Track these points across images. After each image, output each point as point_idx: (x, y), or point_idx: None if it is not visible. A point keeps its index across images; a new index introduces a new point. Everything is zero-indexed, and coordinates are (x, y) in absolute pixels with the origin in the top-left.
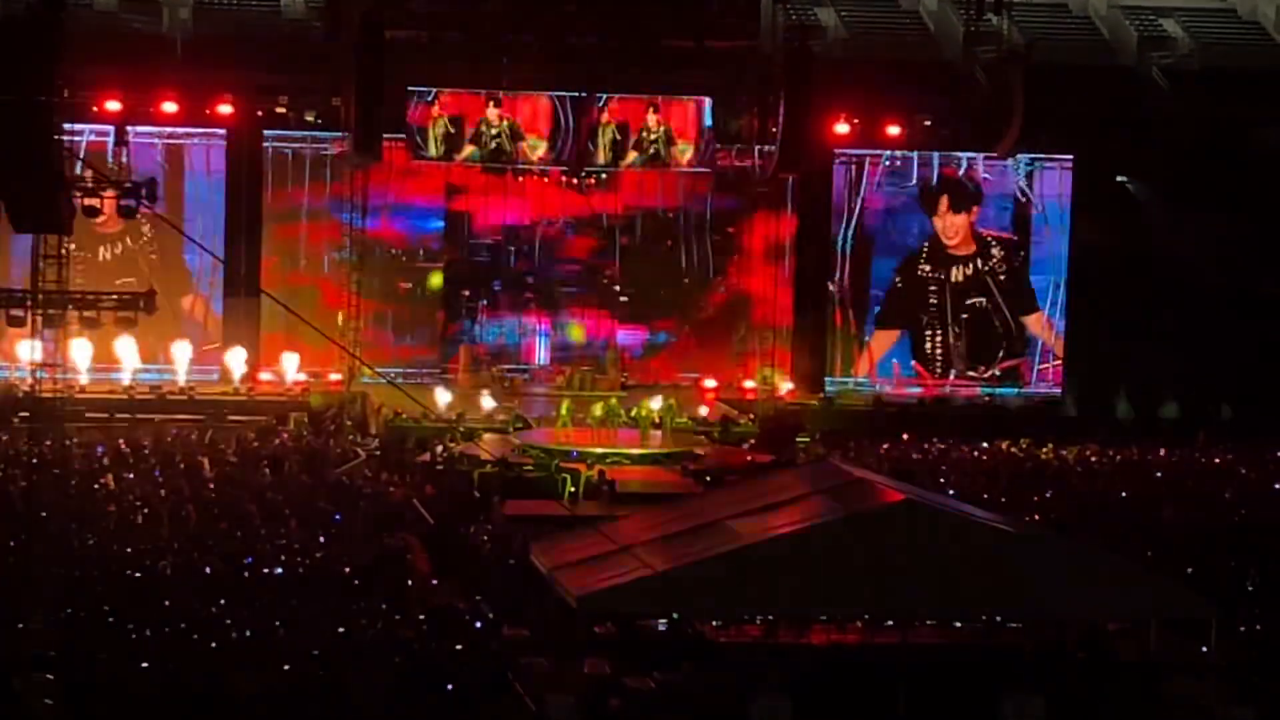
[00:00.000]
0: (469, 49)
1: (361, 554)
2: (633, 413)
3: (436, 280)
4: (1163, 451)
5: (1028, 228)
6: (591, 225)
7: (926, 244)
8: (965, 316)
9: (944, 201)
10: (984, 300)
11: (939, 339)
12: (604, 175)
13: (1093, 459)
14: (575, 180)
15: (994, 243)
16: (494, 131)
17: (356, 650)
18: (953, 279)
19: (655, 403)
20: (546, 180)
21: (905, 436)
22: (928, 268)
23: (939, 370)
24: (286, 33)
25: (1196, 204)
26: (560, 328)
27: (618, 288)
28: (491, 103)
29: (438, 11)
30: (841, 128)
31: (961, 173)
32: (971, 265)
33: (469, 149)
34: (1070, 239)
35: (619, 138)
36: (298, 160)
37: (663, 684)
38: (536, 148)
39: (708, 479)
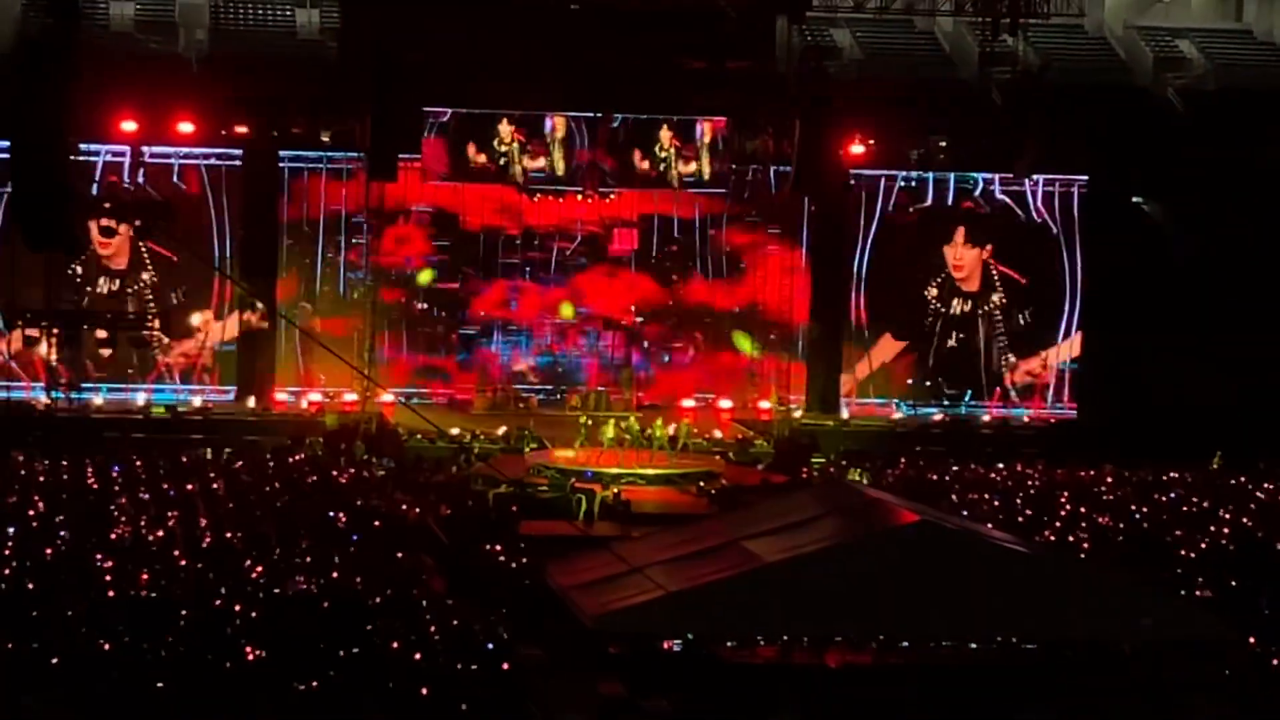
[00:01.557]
0: (484, 69)
1: (377, 574)
2: (647, 433)
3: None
4: (1176, 473)
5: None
6: (606, 244)
7: (944, 273)
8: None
9: (960, 232)
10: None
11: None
12: (618, 195)
13: (1108, 480)
14: (590, 199)
15: (1001, 283)
16: (509, 151)
17: (371, 671)
18: (952, 311)
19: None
20: (561, 200)
21: (921, 456)
22: (934, 292)
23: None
24: (302, 53)
25: (1212, 225)
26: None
27: (633, 307)
28: (506, 122)
29: (453, 32)
30: (857, 148)
31: (977, 192)
32: (970, 302)
33: (484, 169)
34: (1085, 260)
35: (634, 158)
36: (314, 180)
37: (677, 705)
38: (552, 167)
39: (722, 500)
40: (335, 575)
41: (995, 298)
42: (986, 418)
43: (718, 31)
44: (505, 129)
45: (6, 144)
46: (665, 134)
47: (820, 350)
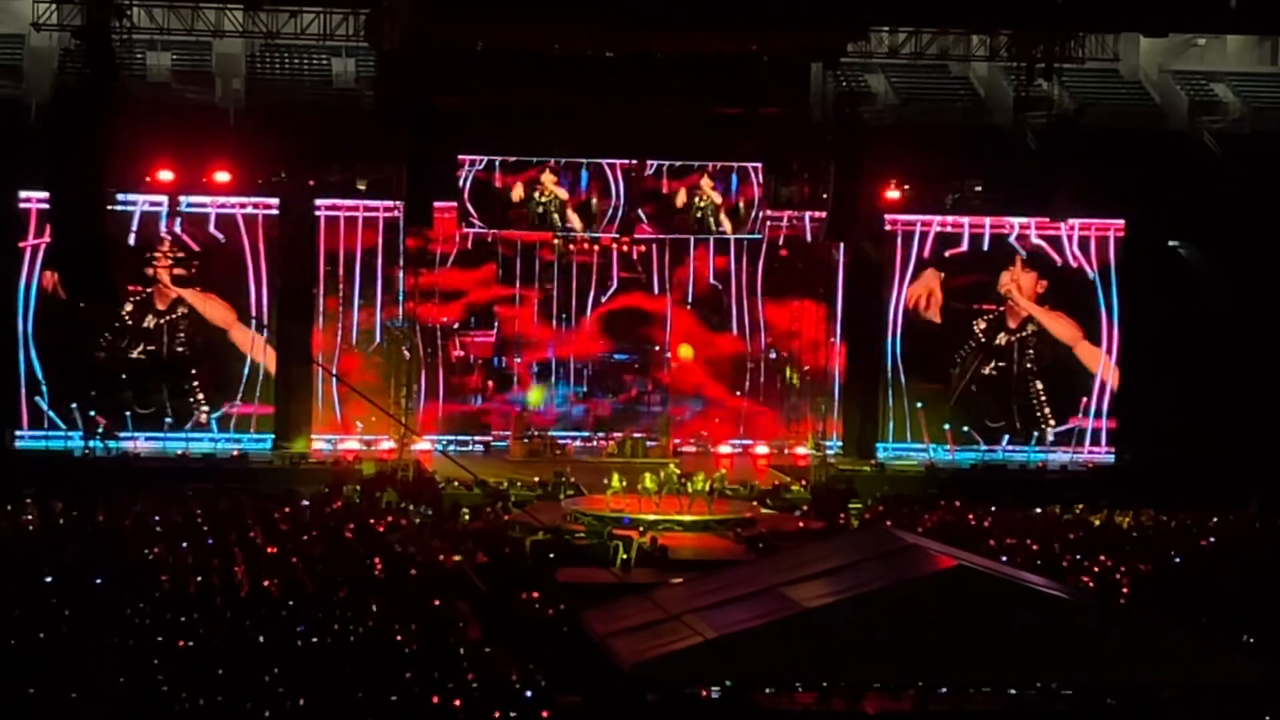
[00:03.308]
0: (520, 116)
1: (414, 622)
2: (685, 482)
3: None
4: (1215, 517)
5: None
6: (641, 290)
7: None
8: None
9: (1018, 258)
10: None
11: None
12: (654, 241)
13: (1146, 524)
14: (625, 246)
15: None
16: (543, 198)
17: (410, 718)
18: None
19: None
20: (596, 246)
21: (958, 502)
22: (982, 324)
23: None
24: (338, 102)
25: (1249, 267)
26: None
27: (669, 354)
28: (541, 169)
29: (488, 79)
30: (892, 193)
31: (1013, 237)
32: (1012, 339)
33: (519, 215)
34: (1122, 303)
35: (670, 204)
36: (350, 228)
37: None
38: (586, 214)
39: (760, 545)
40: (373, 623)
41: (1036, 338)
42: (1024, 461)
43: (752, 78)
44: (541, 175)
45: (46, 195)
46: (700, 180)
47: (856, 396)
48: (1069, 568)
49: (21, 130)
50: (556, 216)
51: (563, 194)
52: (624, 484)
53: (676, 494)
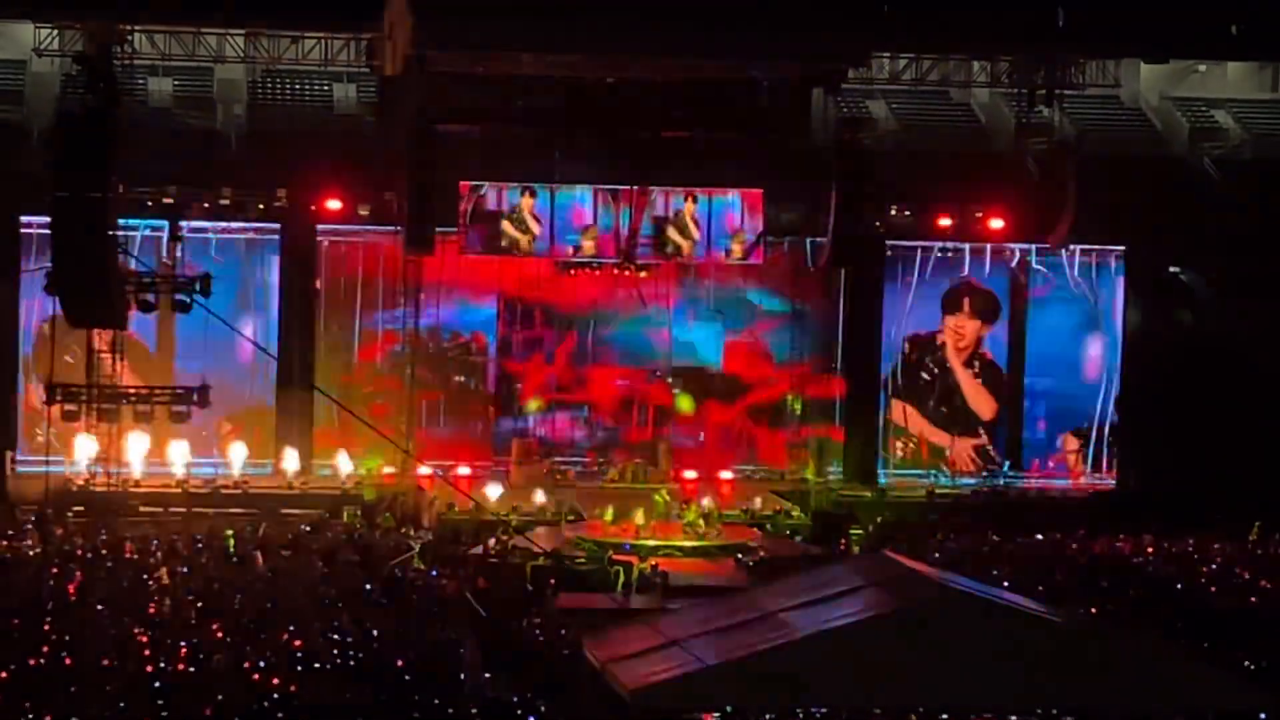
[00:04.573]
0: (520, 142)
1: (413, 647)
2: (684, 515)
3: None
4: (1216, 543)
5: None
6: (642, 317)
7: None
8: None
9: (966, 303)
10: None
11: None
12: (654, 267)
13: (1148, 550)
14: (626, 273)
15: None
16: (545, 225)
17: None
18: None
19: (705, 500)
20: (597, 272)
21: (960, 528)
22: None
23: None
24: (339, 127)
25: (1250, 294)
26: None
27: (669, 380)
28: (539, 196)
29: (489, 105)
30: (893, 220)
31: (1013, 263)
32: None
33: (520, 241)
34: (1123, 330)
35: (670, 230)
36: (351, 253)
37: None
38: (588, 240)
39: (760, 571)
40: (373, 648)
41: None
42: (1026, 488)
43: (754, 104)
44: (540, 203)
45: (47, 219)
46: (701, 206)
47: (857, 422)
48: (1070, 594)
49: (23, 155)
50: (555, 242)
51: (561, 220)
52: (616, 516)
53: (669, 521)
